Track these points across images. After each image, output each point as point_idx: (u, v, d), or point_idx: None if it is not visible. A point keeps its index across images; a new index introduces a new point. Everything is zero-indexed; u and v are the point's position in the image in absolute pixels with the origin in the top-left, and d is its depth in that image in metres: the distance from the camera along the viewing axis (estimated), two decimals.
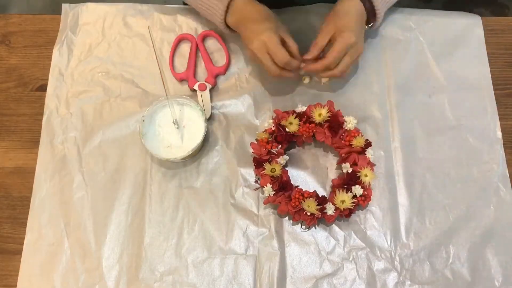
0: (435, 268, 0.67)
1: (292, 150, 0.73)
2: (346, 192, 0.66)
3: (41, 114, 0.74)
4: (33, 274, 0.66)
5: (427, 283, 0.66)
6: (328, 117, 0.69)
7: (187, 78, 0.76)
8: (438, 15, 0.81)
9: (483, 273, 0.67)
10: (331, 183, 0.71)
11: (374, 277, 0.66)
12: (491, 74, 0.77)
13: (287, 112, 0.71)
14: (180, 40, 0.79)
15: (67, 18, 0.80)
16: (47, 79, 0.76)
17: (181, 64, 0.78)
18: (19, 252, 0.67)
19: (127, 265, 0.66)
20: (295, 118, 0.69)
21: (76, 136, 0.73)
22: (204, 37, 0.79)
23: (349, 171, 0.67)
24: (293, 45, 0.68)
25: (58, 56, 0.78)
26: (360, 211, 0.69)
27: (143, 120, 0.69)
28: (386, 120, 0.74)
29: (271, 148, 0.68)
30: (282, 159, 0.69)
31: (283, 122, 0.69)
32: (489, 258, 0.67)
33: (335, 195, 0.66)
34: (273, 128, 0.70)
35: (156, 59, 0.77)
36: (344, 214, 0.67)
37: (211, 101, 0.75)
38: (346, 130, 0.70)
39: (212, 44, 0.80)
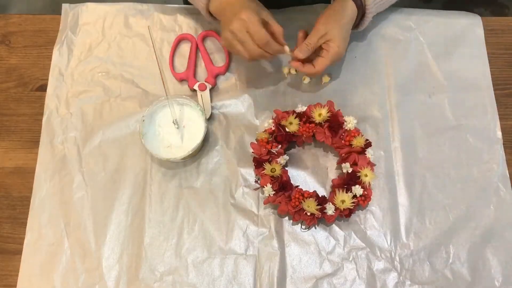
0: (435, 268, 0.67)
1: (292, 150, 0.73)
2: (346, 192, 0.66)
3: (41, 114, 0.74)
4: (33, 274, 0.66)
5: (427, 283, 0.66)
6: (328, 117, 0.69)
7: (187, 78, 0.76)
8: (438, 15, 0.81)
9: (483, 273, 0.67)
10: (331, 183, 0.71)
11: (374, 277, 0.66)
12: (491, 74, 0.77)
13: (287, 112, 0.71)
14: (180, 40, 0.79)
15: (67, 18, 0.80)
16: (47, 79, 0.77)
17: (181, 64, 0.78)
18: (19, 252, 0.67)
19: (127, 265, 0.67)
20: (295, 118, 0.69)
21: (76, 136, 0.73)
22: (204, 37, 0.79)
23: (349, 171, 0.67)
24: (277, 28, 0.66)
25: (58, 56, 0.78)
26: (360, 211, 0.69)
27: (143, 120, 0.69)
28: (386, 120, 0.74)
29: (271, 148, 0.68)
30: (282, 159, 0.69)
31: (283, 122, 0.69)
32: (489, 258, 0.67)
33: (335, 195, 0.66)
34: (273, 128, 0.70)
35: (156, 59, 0.77)
36: (344, 214, 0.67)
37: (211, 101, 0.75)
38: (346, 130, 0.70)
39: (212, 44, 0.80)
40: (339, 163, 0.71)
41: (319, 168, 0.72)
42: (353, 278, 0.66)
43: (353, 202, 0.66)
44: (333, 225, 0.69)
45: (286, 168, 0.71)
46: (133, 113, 0.74)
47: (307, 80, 0.76)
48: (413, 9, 0.82)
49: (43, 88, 0.76)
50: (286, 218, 0.69)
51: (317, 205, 0.65)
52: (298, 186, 0.69)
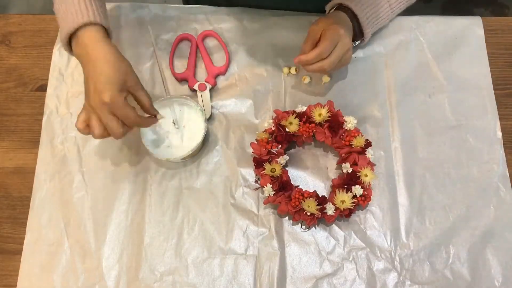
0: (435, 268, 0.67)
1: (292, 150, 0.73)
2: (346, 192, 0.66)
3: (41, 114, 0.74)
4: (33, 274, 0.66)
5: (427, 283, 0.66)
6: (328, 117, 0.69)
7: (187, 78, 0.76)
8: (438, 15, 0.81)
9: (483, 273, 0.67)
10: (331, 183, 0.71)
11: (374, 277, 0.66)
12: (491, 74, 0.77)
13: (287, 112, 0.71)
14: (180, 40, 0.79)
15: None
16: (47, 79, 0.76)
17: (181, 64, 0.78)
18: (19, 252, 0.67)
19: (127, 265, 0.66)
20: (295, 118, 0.69)
21: (76, 136, 0.73)
22: (204, 37, 0.79)
23: (349, 171, 0.67)
24: (145, 101, 0.61)
25: (58, 56, 0.78)
26: (360, 211, 0.69)
27: None
28: (386, 120, 0.74)
29: (271, 148, 0.68)
30: (282, 159, 0.69)
31: (283, 122, 0.69)
32: (489, 258, 0.67)
33: (335, 195, 0.66)
34: (273, 128, 0.70)
35: (156, 59, 0.77)
36: (344, 214, 0.67)
37: (211, 101, 0.75)
38: (346, 130, 0.70)
39: (212, 44, 0.80)
40: (339, 163, 0.71)
41: (319, 168, 0.72)
42: (353, 278, 0.66)
43: (353, 202, 0.66)
44: (333, 225, 0.69)
45: (286, 168, 0.71)
46: None
47: (307, 80, 0.76)
48: (413, 9, 0.82)
49: (43, 88, 0.76)
50: (286, 218, 0.69)
51: (317, 205, 0.65)
52: (298, 186, 0.69)
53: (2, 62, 0.79)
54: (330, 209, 0.65)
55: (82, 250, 0.67)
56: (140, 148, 0.72)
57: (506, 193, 0.71)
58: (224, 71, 0.77)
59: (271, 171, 0.67)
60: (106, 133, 0.58)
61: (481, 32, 0.80)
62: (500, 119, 0.75)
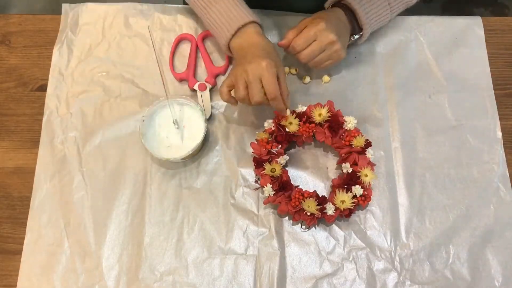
0: (435, 268, 0.67)
1: (292, 150, 0.73)
2: (346, 192, 0.66)
3: (41, 114, 0.74)
4: (33, 274, 0.66)
5: (427, 283, 0.66)
6: (328, 117, 0.69)
7: (187, 78, 0.76)
8: (438, 15, 0.81)
9: (483, 273, 0.67)
10: (331, 183, 0.71)
11: (374, 277, 0.66)
12: (491, 74, 0.78)
13: None
14: (180, 40, 0.79)
15: (67, 18, 0.80)
16: (47, 79, 0.77)
17: (181, 64, 0.78)
18: (19, 252, 0.67)
19: (127, 265, 0.67)
20: (295, 118, 0.69)
21: (76, 136, 0.73)
22: (204, 37, 0.79)
23: (349, 171, 0.67)
24: (285, 90, 0.65)
25: (58, 56, 0.78)
26: (360, 211, 0.69)
27: (143, 120, 0.69)
28: (386, 120, 0.74)
29: (271, 148, 0.68)
30: (282, 159, 0.69)
31: (283, 122, 0.69)
32: (489, 258, 0.67)
33: (335, 195, 0.66)
34: (273, 128, 0.70)
35: (156, 59, 0.77)
36: (344, 214, 0.67)
37: (211, 101, 0.75)
38: (346, 130, 0.70)
39: (212, 44, 0.80)
40: (339, 163, 0.71)
41: (319, 168, 0.72)
42: (353, 278, 0.66)
43: (353, 202, 0.66)
44: (333, 225, 0.69)
45: (286, 168, 0.71)
46: (133, 113, 0.74)
47: (307, 80, 0.76)
48: (413, 9, 0.82)
49: (43, 88, 0.76)
50: (286, 218, 0.69)
51: (317, 205, 0.65)
52: (298, 186, 0.69)
53: (2, 62, 0.79)
54: (330, 209, 0.65)
55: (82, 250, 0.67)
56: (140, 148, 0.72)
57: (506, 193, 0.71)
58: (224, 71, 0.77)
59: (271, 171, 0.67)
60: (247, 97, 0.64)
61: (481, 32, 0.80)
62: (500, 119, 0.75)
